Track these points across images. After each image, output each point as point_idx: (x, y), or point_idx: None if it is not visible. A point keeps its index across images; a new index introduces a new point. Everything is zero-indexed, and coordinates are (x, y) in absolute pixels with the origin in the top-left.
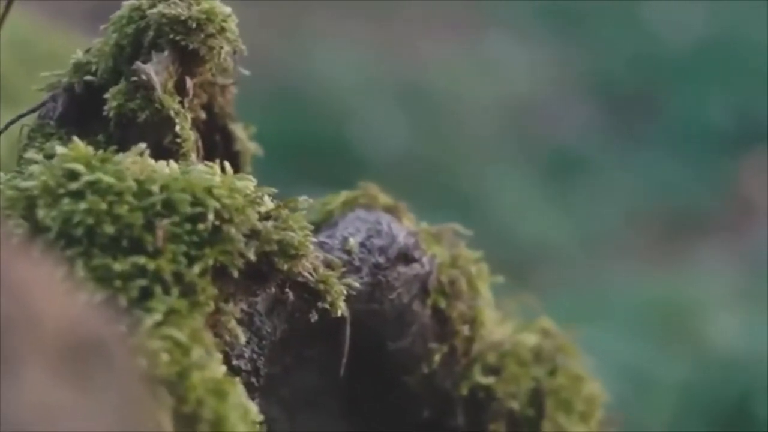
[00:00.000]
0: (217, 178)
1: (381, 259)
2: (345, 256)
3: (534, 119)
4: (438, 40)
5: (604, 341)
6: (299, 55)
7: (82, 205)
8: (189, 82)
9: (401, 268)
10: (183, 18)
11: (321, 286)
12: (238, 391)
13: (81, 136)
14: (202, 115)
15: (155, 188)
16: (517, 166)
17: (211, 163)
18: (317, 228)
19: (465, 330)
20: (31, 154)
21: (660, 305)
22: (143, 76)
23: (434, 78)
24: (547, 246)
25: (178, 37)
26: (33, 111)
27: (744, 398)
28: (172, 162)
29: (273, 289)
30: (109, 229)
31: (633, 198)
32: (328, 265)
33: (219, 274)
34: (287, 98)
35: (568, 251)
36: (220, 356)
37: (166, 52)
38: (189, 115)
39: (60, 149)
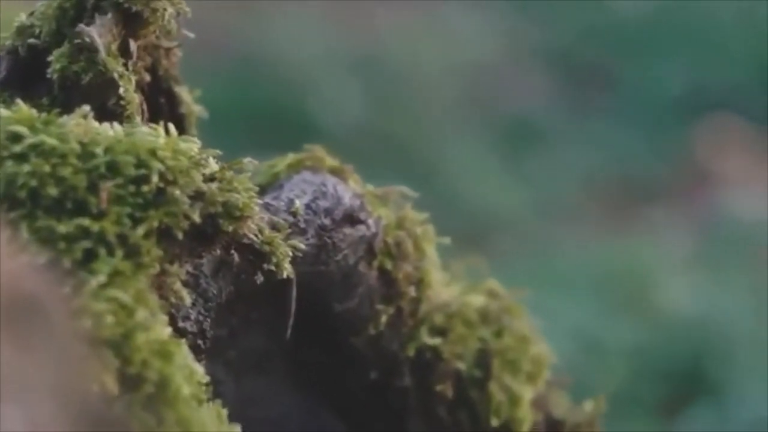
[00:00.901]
0: (162, 140)
1: (327, 221)
2: (290, 218)
3: (490, 88)
4: (395, 9)
5: (557, 307)
6: (257, 25)
7: (26, 168)
8: (133, 45)
9: (347, 230)
10: None
11: (266, 248)
12: (183, 352)
13: (24, 99)
14: (147, 77)
15: (99, 150)
16: (474, 134)
17: (155, 125)
18: (263, 190)
19: (411, 291)
20: None
21: (613, 271)
22: (86, 39)
23: (391, 47)
24: (502, 214)
25: (121, 0)
26: None
27: (695, 362)
28: (116, 124)
29: (218, 251)
30: (53, 191)
31: (588, 166)
32: (274, 227)
33: (164, 235)
34: (245, 69)
35: (524, 219)
36: (165, 318)
37: (109, 15)
38: (133, 78)
39: (3, 112)
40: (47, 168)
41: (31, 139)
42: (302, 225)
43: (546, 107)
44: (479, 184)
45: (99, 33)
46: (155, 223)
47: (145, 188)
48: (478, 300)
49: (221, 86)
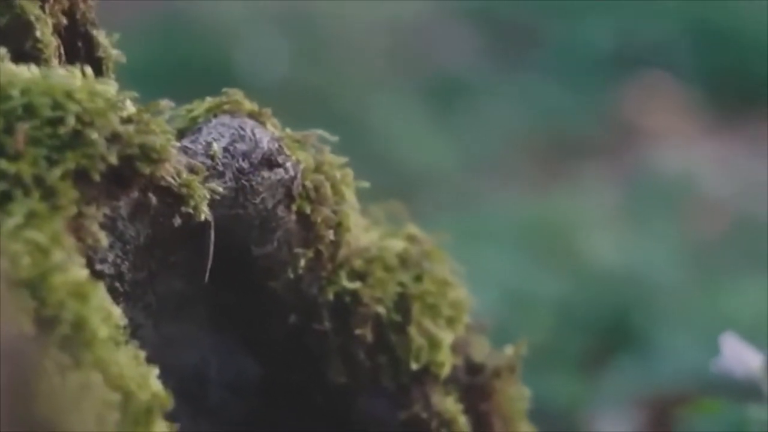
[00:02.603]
0: (78, 82)
1: (245, 164)
2: (208, 161)
3: (418, 44)
4: None
5: (485, 261)
6: None
7: None
8: None
9: (265, 173)
10: None
11: (184, 191)
12: (100, 294)
13: None
14: (64, 20)
15: (15, 92)
16: (402, 91)
17: (72, 68)
18: (181, 134)
19: (330, 235)
20: None
21: (541, 225)
22: None
23: (318, 2)
24: (431, 169)
25: None
26: None
27: (620, 314)
28: (33, 66)
29: (136, 194)
30: None
31: (517, 122)
32: (192, 170)
33: (80, 177)
34: (170, 23)
35: (452, 174)
36: (82, 260)
37: None
38: (50, 21)
39: None
40: None
41: None
42: (220, 168)
43: (474, 63)
44: (407, 139)
45: None
46: (72, 165)
47: (61, 130)
48: (398, 245)
49: (146, 40)
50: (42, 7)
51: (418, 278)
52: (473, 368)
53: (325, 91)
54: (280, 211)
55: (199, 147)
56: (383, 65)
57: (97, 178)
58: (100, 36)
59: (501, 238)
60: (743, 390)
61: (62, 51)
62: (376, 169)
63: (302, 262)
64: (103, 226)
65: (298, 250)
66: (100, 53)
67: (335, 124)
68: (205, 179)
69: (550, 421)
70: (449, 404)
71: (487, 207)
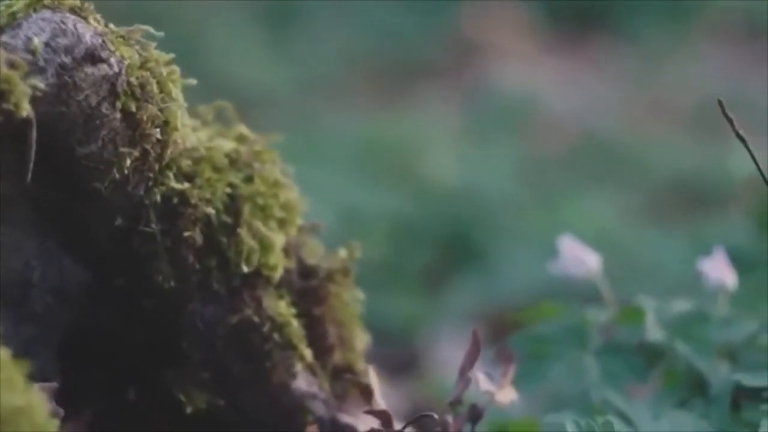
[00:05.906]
0: None
1: (67, 60)
2: (29, 57)
3: None
4: None
5: (322, 180)
6: None
7: None
8: None
9: (88, 69)
10: None
11: (4, 87)
12: None
13: None
14: None
15: None
16: (239, 13)
17: None
18: (1, 30)
19: (157, 134)
20: None
21: (381, 145)
22: None
23: None
24: (266, 90)
25: None
26: None
27: (462, 229)
28: None
29: None
30: None
31: (356, 44)
32: (12, 65)
33: None
34: None
35: (288, 95)
36: None
37: None
38: None
39: None
40: None
41: None
42: (41, 64)
43: None
44: (245, 62)
45: None
46: None
47: None
48: (227, 145)
49: None
50: None
51: (249, 179)
52: (306, 271)
53: (163, 15)
54: (105, 108)
55: (19, 42)
56: None
57: None
58: None
59: (339, 159)
60: (583, 294)
61: None
62: (214, 91)
63: (128, 162)
64: None
65: (124, 150)
66: None
67: (169, 43)
68: (26, 75)
69: (391, 338)
70: (282, 308)
71: (326, 128)
